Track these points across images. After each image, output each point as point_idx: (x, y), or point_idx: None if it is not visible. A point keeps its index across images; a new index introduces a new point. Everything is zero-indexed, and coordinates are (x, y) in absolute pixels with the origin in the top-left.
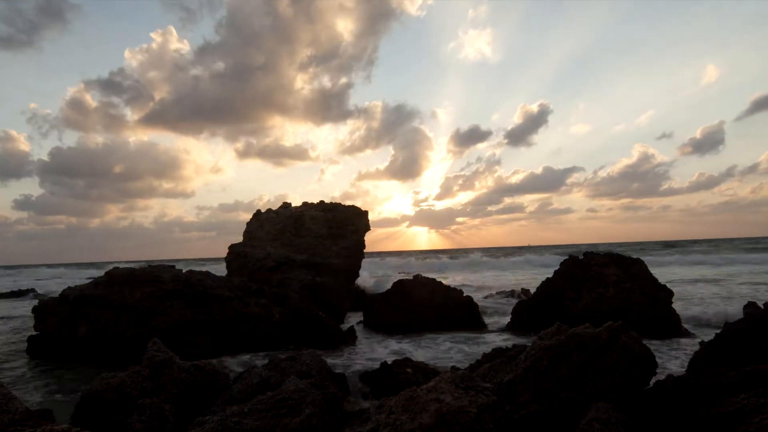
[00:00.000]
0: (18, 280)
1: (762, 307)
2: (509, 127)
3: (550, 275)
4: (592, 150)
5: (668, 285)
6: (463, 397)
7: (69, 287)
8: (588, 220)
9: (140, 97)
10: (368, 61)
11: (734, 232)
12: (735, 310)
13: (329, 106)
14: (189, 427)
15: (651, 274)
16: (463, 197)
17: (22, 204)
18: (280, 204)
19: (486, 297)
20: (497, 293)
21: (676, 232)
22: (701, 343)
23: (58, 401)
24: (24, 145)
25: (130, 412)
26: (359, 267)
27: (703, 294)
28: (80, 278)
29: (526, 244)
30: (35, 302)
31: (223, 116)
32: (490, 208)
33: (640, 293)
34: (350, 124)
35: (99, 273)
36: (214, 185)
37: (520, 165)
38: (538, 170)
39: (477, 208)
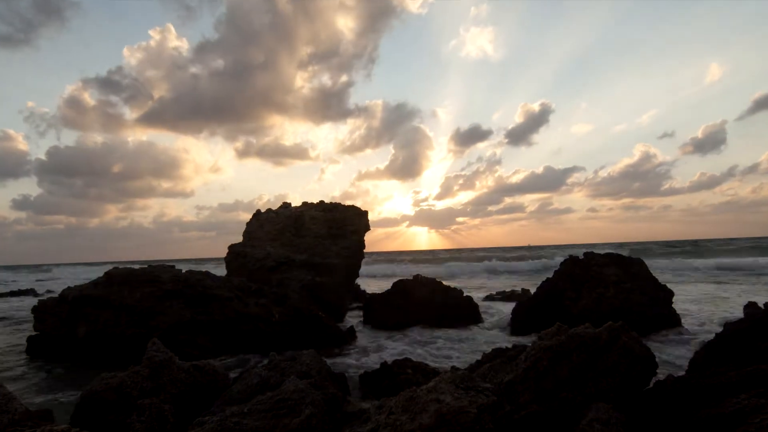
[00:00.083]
0: (17, 280)
1: (762, 307)
2: (510, 127)
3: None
4: (593, 149)
5: (668, 285)
6: (463, 398)
7: (68, 287)
8: (588, 220)
9: (139, 95)
10: (369, 59)
11: (735, 232)
12: (735, 310)
13: (329, 105)
14: (189, 428)
15: (651, 274)
16: (463, 197)
17: (20, 204)
18: (279, 204)
19: (486, 297)
20: (497, 293)
21: (676, 232)
22: (701, 343)
23: (57, 401)
24: (22, 145)
25: (130, 412)
26: (359, 267)
27: (703, 294)
28: (79, 278)
29: (526, 244)
30: (34, 302)
31: (222, 115)
32: (490, 208)
33: (640, 293)
34: (350, 123)
35: (98, 273)
36: (214, 185)
37: (520, 164)
38: (539, 170)
39: (477, 208)
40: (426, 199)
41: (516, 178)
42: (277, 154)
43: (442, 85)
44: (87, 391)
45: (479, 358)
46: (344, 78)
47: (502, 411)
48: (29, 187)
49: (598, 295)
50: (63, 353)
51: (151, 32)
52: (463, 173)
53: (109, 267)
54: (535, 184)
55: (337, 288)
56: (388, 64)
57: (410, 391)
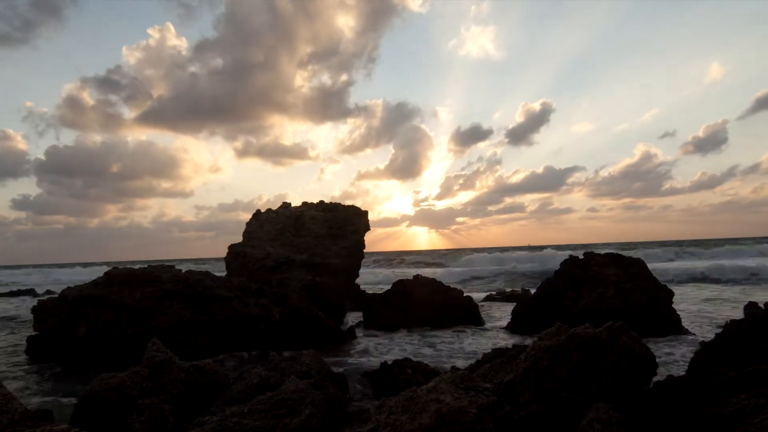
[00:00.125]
0: (17, 280)
1: (762, 307)
2: (510, 126)
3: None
4: (593, 149)
5: (668, 285)
6: (463, 398)
7: (68, 287)
8: (589, 220)
9: (138, 94)
10: (369, 58)
11: (735, 232)
12: (735, 310)
13: (329, 105)
14: (188, 428)
15: (651, 274)
16: (463, 197)
17: (20, 204)
18: (279, 203)
19: (486, 297)
20: (497, 293)
21: (676, 232)
22: (701, 344)
23: (57, 401)
24: (21, 144)
25: (130, 412)
26: (359, 267)
27: (703, 294)
28: (79, 278)
29: (526, 244)
30: (34, 302)
31: (221, 114)
32: (490, 208)
33: (640, 293)
34: (350, 122)
35: (98, 273)
36: (213, 185)
37: (521, 164)
38: (539, 170)
39: (477, 207)
40: (426, 199)
41: (516, 178)
42: (277, 153)
43: (442, 84)
44: (87, 391)
45: (479, 357)
46: (344, 77)
47: (502, 411)
48: (29, 187)
49: (598, 295)
50: (63, 353)
51: (150, 31)
52: (463, 173)
53: (109, 267)
54: (535, 183)
55: (337, 288)
56: (388, 63)
57: (410, 391)
